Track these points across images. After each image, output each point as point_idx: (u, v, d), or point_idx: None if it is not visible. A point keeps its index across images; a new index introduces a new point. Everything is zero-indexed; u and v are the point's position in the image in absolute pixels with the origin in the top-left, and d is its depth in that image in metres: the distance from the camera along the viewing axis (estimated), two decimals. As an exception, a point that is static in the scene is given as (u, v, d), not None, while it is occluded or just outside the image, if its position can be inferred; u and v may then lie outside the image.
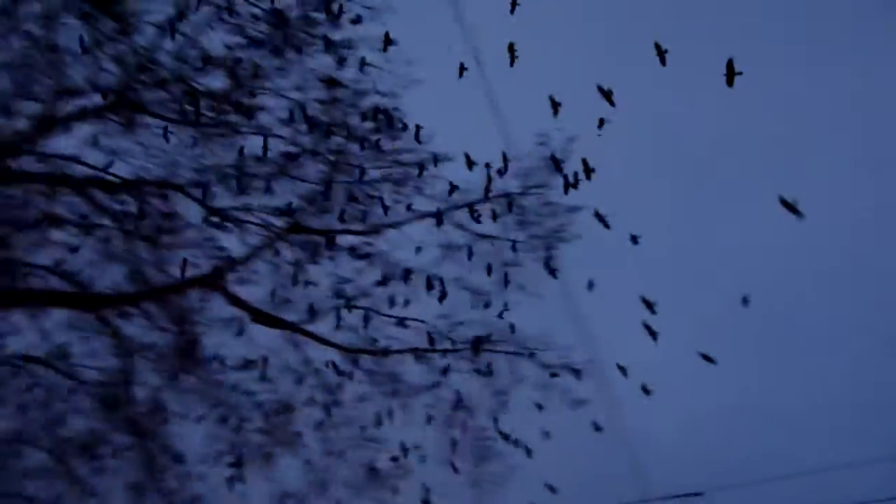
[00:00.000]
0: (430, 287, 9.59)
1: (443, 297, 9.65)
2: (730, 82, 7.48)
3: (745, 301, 9.06)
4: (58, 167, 8.82)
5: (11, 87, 8.52)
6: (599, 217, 9.11)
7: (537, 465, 9.86)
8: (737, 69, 7.44)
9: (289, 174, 9.36)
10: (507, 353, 10.11)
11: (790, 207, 7.84)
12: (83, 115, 8.87)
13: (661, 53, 7.79)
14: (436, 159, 9.49)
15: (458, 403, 10.04)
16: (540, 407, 9.91)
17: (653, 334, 9.18)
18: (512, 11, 8.18)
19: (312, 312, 9.46)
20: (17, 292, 8.21)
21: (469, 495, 10.04)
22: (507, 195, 9.61)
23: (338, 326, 9.53)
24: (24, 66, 8.53)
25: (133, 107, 9.03)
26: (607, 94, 8.28)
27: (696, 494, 10.27)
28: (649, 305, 9.20)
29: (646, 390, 9.50)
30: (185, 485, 9.41)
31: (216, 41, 9.05)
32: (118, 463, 9.29)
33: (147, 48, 8.93)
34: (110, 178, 8.92)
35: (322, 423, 9.87)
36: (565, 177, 9.11)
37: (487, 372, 10.11)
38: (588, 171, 8.83)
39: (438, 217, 9.62)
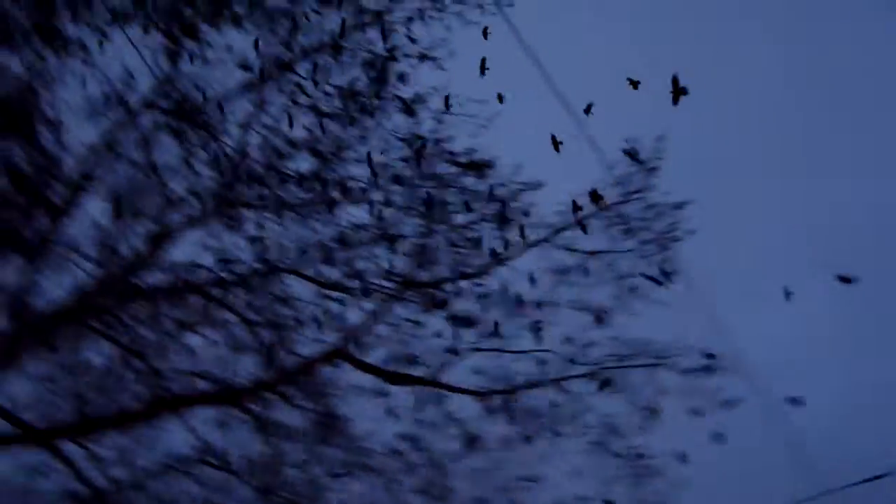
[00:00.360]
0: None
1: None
2: (675, 100, 7.23)
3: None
4: (177, 275, 9.30)
5: (124, 210, 9.14)
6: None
7: (703, 475, 9.41)
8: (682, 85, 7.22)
9: (390, 235, 9.53)
10: (642, 366, 9.80)
11: None
12: (191, 222, 9.37)
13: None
14: (528, 187, 9.49)
15: (606, 427, 9.75)
16: (696, 413, 9.49)
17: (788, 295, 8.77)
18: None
19: (440, 363, 9.47)
20: (162, 400, 8.59)
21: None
22: (608, 207, 9.46)
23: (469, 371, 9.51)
24: (133, 188, 9.15)
25: (234, 204, 9.51)
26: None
27: (882, 476, 9.57)
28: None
29: (796, 400, 9.09)
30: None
31: (296, 125, 9.51)
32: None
33: (235, 147, 9.43)
34: (225, 275, 9.29)
35: (473, 473, 9.78)
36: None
37: (626, 390, 9.81)
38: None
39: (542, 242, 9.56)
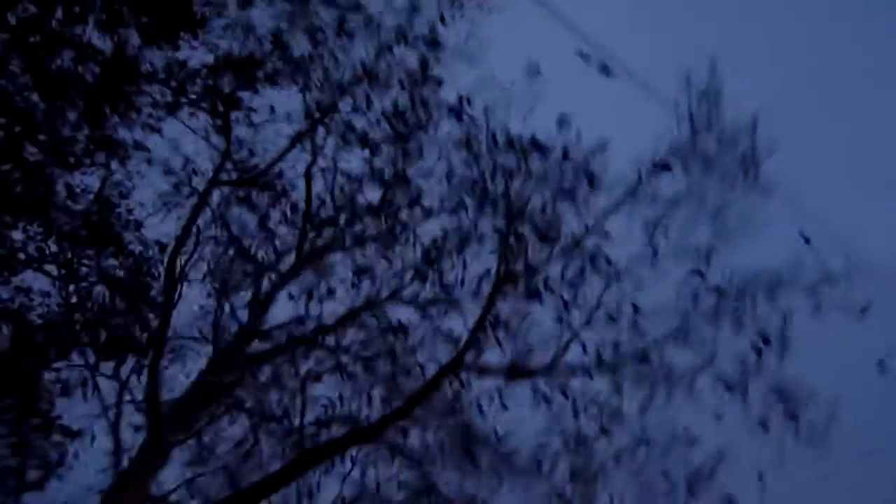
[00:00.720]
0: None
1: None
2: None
3: None
4: (287, 333, 9.58)
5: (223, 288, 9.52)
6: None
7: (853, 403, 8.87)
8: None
9: (471, 237, 9.55)
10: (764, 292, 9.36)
11: None
12: (283, 280, 9.68)
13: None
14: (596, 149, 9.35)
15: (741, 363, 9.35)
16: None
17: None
18: None
19: (557, 349, 9.33)
20: (308, 453, 8.80)
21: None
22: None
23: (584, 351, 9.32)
24: (223, 266, 9.54)
25: (318, 252, 9.77)
26: None
27: None
28: None
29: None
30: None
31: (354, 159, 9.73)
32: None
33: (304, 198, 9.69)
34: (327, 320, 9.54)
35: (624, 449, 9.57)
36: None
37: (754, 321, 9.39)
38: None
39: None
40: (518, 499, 9.49)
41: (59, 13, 8.07)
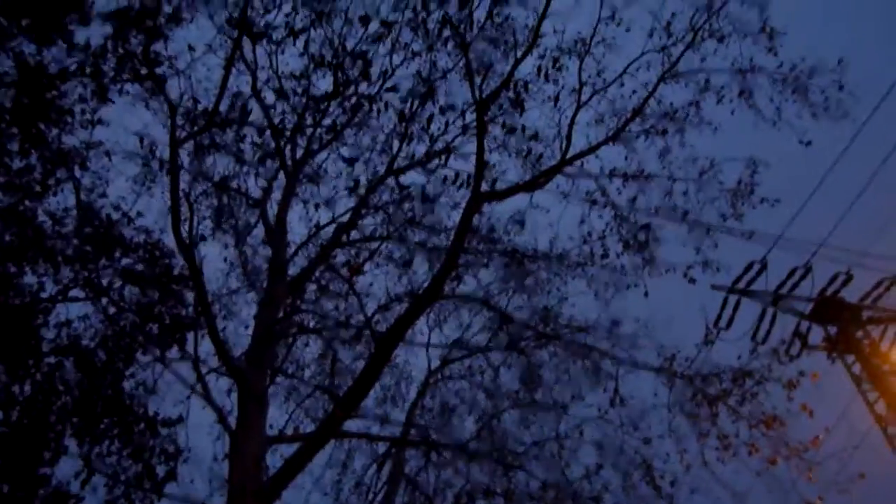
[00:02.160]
0: None
1: None
2: None
3: None
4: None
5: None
6: None
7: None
8: None
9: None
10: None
11: None
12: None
13: None
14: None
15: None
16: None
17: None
18: None
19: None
20: (386, 335, 9.12)
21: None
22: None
23: None
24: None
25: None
26: None
27: None
28: None
29: None
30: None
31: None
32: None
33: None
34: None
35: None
36: None
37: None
38: None
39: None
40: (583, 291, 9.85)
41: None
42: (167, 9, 9.03)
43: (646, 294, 9.67)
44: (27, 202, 8.85)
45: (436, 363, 10.75)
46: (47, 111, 8.38)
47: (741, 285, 10.72)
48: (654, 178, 9.73)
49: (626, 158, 9.73)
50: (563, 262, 9.90)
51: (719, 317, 10.73)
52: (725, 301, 10.74)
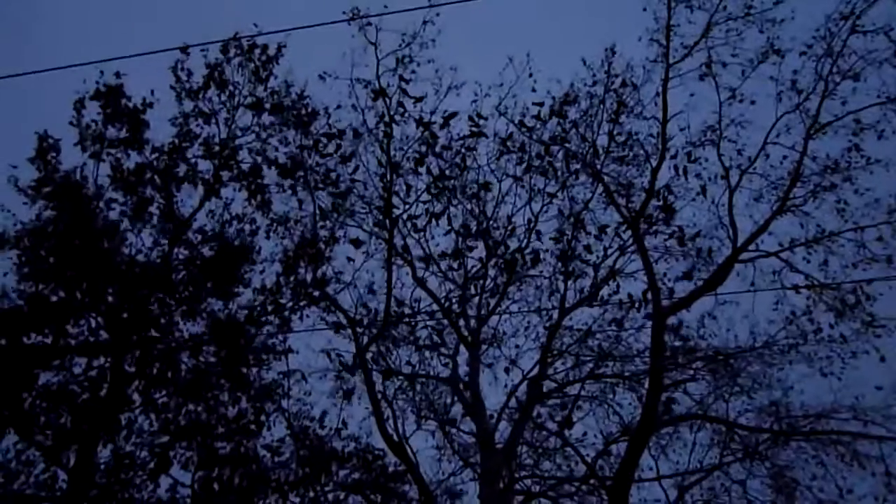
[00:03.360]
0: None
1: None
2: None
3: None
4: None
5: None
6: None
7: None
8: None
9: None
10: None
11: None
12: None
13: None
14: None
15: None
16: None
17: None
18: None
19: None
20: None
21: None
22: None
23: None
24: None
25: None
26: None
27: None
28: None
29: None
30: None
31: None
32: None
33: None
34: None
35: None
36: None
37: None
38: None
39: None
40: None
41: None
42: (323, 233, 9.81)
43: (882, 359, 8.68)
44: (245, 442, 9.41)
45: (673, 494, 10.00)
46: (245, 355, 9.08)
47: None
48: (839, 235, 9.06)
49: (801, 227, 9.18)
50: (773, 349, 9.19)
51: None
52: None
